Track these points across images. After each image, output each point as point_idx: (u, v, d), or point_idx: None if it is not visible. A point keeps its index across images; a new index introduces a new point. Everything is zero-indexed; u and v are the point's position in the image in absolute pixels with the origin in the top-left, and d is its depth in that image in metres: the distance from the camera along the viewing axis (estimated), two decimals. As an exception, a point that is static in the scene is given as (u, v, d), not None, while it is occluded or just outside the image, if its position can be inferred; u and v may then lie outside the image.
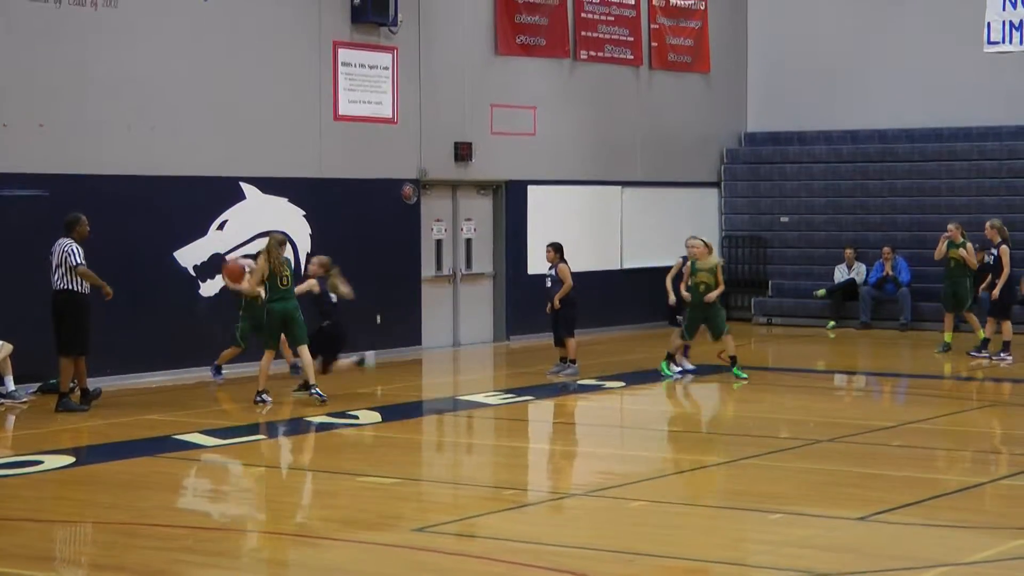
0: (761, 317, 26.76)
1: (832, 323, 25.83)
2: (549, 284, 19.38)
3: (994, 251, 20.85)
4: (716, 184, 28.13)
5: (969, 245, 21.21)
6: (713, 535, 10.66)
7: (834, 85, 28.06)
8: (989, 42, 25.75)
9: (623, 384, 18.72)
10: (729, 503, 11.78)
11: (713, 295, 18.64)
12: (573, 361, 19.27)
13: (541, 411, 17.17)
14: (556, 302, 19.15)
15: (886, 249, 25.85)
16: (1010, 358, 20.39)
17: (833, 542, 10.35)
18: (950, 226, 21.43)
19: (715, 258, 19.08)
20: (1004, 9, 24.56)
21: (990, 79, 26.37)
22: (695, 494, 12.27)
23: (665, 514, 11.41)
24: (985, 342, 20.75)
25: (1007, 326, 20.66)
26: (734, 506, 11.62)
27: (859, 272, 26.14)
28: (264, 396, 16.59)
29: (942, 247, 21.33)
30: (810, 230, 27.33)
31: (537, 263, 23.56)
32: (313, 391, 16.63)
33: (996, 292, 20.67)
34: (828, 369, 21.01)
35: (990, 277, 20.90)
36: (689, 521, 11.15)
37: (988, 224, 21.05)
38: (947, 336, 21.42)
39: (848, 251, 26.30)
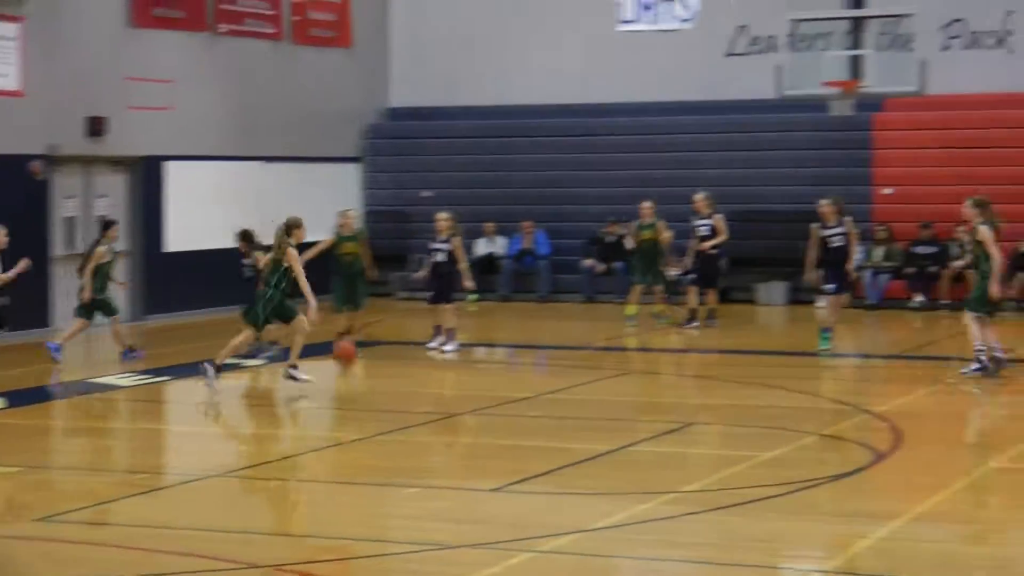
0: (404, 292, 26.90)
1: (473, 296, 26.14)
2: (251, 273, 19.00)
3: (707, 221, 21.53)
4: (358, 159, 28.15)
5: (661, 223, 21.91)
6: (350, 511, 10.64)
7: (477, 60, 28.38)
8: (622, 21, 26.47)
9: (264, 362, 18.49)
10: (367, 479, 11.77)
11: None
12: (274, 343, 18.85)
13: (178, 391, 16.81)
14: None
15: (526, 223, 26.34)
16: (698, 323, 21.38)
17: (468, 514, 10.47)
18: (644, 204, 22.00)
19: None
20: (635, -12, 25.26)
21: (625, 56, 27.12)
22: (334, 471, 12.23)
23: (303, 492, 11.34)
24: (693, 312, 21.51)
25: (714, 295, 21.70)
26: (372, 482, 11.63)
27: (500, 245, 26.56)
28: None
29: (634, 233, 22.01)
30: (453, 204, 27.48)
31: (175, 240, 23.15)
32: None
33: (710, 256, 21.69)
34: (469, 342, 21.19)
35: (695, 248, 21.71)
36: (327, 498, 11.09)
37: (699, 196, 21.71)
38: (631, 309, 22.04)
39: (489, 225, 26.68)
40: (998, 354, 16.30)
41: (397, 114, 28.94)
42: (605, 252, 25.82)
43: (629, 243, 22.55)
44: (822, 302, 20.41)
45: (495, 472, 11.72)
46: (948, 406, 15.18)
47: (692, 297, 21.65)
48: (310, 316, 15.65)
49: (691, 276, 21.74)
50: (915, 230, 24.52)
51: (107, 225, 19.00)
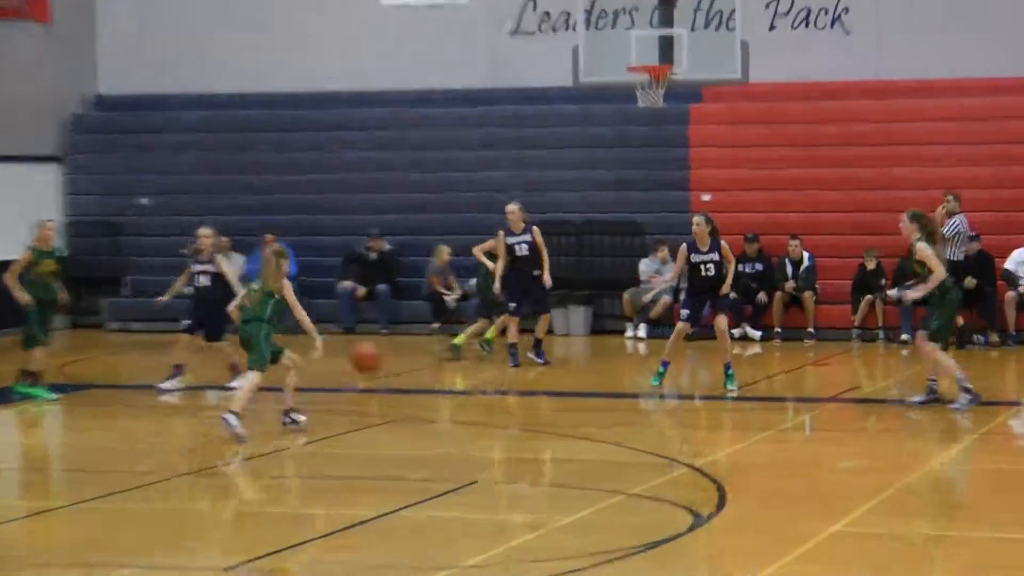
0: (115, 322, 26.48)
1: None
2: None
3: (525, 237, 21.54)
4: (58, 159, 27.70)
5: None
6: (47, 599, 10.37)
7: (207, 41, 28.20)
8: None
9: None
10: (70, 558, 11.52)
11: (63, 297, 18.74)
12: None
13: None
14: None
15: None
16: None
17: (195, 600, 10.27)
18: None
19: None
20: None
21: (392, 37, 27.21)
22: (31, 547, 11.91)
23: (-12, 577, 11.00)
24: (538, 342, 21.58)
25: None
26: (76, 561, 11.39)
27: (236, 263, 26.24)
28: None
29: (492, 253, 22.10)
30: (178, 214, 27.17)
31: None
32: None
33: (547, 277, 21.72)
34: (197, 385, 20.88)
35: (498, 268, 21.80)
36: (18, 584, 10.79)
37: (512, 208, 21.70)
38: (460, 339, 22.34)
39: (224, 239, 26.33)
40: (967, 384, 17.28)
41: (106, 103, 28.58)
42: (366, 272, 25.72)
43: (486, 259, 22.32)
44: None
45: (231, 546, 11.59)
46: (781, 457, 15.40)
47: (540, 326, 21.72)
48: (318, 346, 16.66)
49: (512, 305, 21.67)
50: (739, 244, 24.85)
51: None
